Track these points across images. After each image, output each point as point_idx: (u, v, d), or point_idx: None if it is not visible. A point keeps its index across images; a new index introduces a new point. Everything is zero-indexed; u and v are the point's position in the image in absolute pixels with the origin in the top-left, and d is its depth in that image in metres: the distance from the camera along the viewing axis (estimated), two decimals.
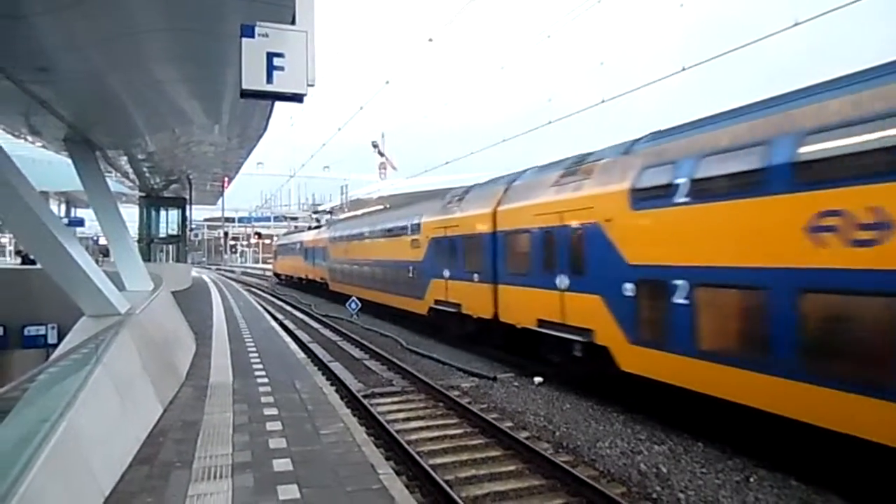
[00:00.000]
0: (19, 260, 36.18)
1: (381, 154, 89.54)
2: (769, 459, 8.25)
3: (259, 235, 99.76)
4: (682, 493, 7.58)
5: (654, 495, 7.59)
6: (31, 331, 21.69)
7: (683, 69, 12.28)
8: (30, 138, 15.38)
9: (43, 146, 16.54)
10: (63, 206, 43.27)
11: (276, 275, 57.76)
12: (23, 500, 4.22)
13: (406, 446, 8.92)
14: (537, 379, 13.37)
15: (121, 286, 13.93)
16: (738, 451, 8.69)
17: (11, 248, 62.00)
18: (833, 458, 7.39)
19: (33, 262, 21.53)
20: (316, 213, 53.88)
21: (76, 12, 7.17)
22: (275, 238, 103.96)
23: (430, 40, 19.64)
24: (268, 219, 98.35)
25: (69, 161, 15.70)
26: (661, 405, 10.28)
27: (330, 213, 60.09)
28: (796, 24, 10.15)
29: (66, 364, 6.65)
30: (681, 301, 9.13)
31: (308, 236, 43.46)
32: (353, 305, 23.41)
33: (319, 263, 37.29)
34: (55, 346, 19.21)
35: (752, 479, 7.86)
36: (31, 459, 4.69)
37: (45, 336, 21.65)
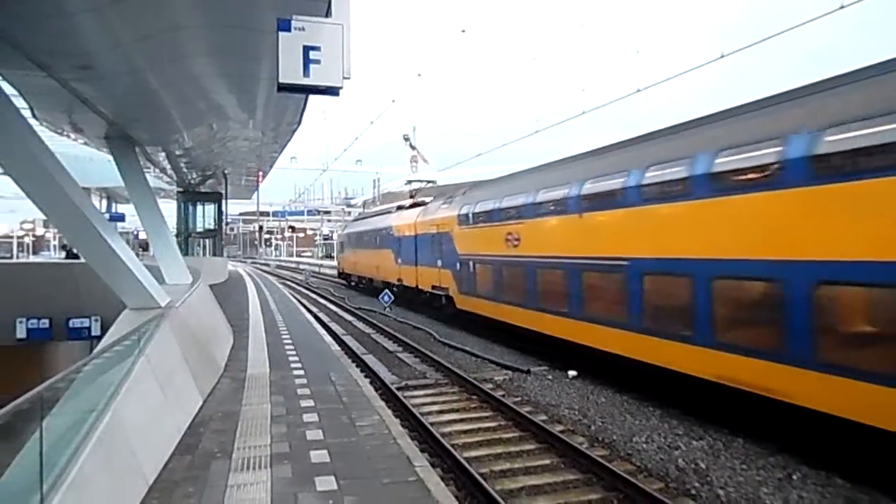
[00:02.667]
0: (64, 254, 37.32)
1: (413, 147, 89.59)
2: (813, 457, 8.04)
3: (293, 229, 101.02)
4: (722, 489, 7.43)
5: (693, 491, 7.45)
6: (75, 323, 22.39)
7: (722, 56, 11.99)
8: (72, 135, 15.77)
9: (85, 143, 16.95)
10: (104, 202, 44.35)
11: (344, 275, 42.79)
12: (72, 487, 4.35)
13: (440, 439, 8.93)
14: (571, 372, 13.26)
15: (161, 279, 14.24)
16: (780, 448, 8.48)
17: (56, 242, 64.06)
18: (880, 457, 7.17)
19: (77, 257, 22.18)
20: (410, 182, 35.26)
21: (117, 10, 7.32)
22: (318, 228, 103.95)
23: (463, 31, 19.47)
24: (301, 213, 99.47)
25: (109, 158, 16.08)
26: (697, 401, 10.09)
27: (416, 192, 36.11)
28: (842, 7, 9.81)
29: (109, 356, 6.81)
30: None
31: (402, 219, 27.35)
32: (386, 298, 23.49)
33: (432, 263, 22.32)
34: (98, 338, 19.79)
35: (794, 477, 7.67)
36: (79, 448, 4.83)
37: (88, 328, 22.34)
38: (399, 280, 26.84)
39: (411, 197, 31.39)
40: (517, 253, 15.70)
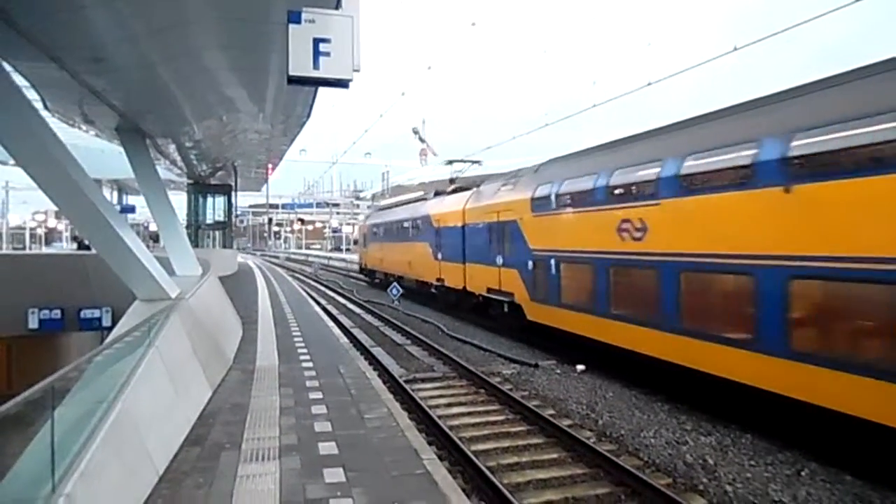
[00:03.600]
0: (75, 245, 37.62)
1: (422, 140, 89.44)
2: (822, 454, 7.99)
3: (302, 221, 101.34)
4: (730, 485, 7.40)
5: (701, 487, 7.43)
6: (86, 314, 22.58)
7: (735, 49, 11.88)
8: (83, 127, 15.84)
9: (96, 135, 17.02)
10: (115, 193, 44.59)
11: (367, 271, 37.66)
12: (83, 476, 4.39)
13: (448, 432, 8.95)
14: (580, 367, 13.24)
15: (171, 271, 14.30)
16: (788, 445, 8.44)
17: (68, 234, 64.56)
18: (892, 455, 7.12)
19: (88, 248, 22.36)
20: (450, 161, 28.35)
21: (130, 3, 7.35)
22: (324, 220, 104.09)
23: (473, 24, 19.42)
24: (310, 205, 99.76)
25: (121, 149, 16.15)
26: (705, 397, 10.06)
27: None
28: (856, 1, 9.69)
29: (120, 347, 6.86)
30: None
31: (444, 206, 23.30)
32: (395, 291, 23.51)
33: (488, 260, 17.82)
34: (109, 328, 19.94)
35: (803, 473, 7.64)
36: (90, 437, 4.87)
37: (99, 319, 22.53)
38: (440, 280, 22.61)
39: (451, 182, 26.94)
40: (641, 249, 10.95)
